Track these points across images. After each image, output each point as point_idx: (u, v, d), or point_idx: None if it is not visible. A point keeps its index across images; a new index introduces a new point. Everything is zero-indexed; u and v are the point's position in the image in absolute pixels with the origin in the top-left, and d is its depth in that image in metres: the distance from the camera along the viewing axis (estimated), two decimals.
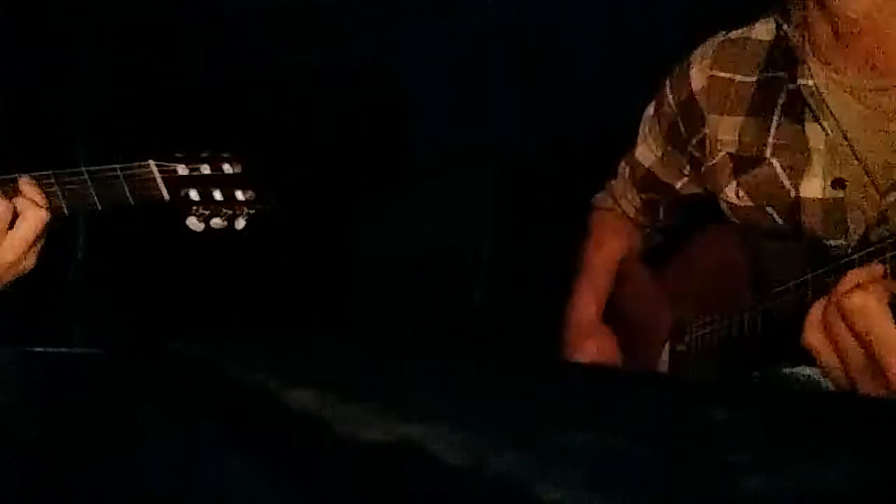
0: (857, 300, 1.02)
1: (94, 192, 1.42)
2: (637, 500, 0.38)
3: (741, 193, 1.41)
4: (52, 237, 1.36)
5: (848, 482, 0.41)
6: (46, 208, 1.32)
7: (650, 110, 1.64)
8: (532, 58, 2.71)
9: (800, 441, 0.50)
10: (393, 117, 3.10)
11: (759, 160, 1.38)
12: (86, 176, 1.42)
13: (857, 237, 1.28)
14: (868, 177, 1.27)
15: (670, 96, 1.55)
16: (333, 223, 3.00)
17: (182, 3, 2.80)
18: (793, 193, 1.34)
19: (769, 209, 1.38)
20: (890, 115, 1.26)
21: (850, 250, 1.23)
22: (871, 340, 1.01)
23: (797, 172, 1.33)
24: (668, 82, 1.56)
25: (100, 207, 1.42)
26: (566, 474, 0.41)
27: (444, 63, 2.79)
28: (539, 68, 2.70)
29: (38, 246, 1.33)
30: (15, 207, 1.30)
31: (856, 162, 1.28)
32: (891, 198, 1.25)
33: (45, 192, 1.34)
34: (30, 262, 1.32)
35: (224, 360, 0.78)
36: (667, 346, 1.56)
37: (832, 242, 1.31)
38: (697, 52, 1.52)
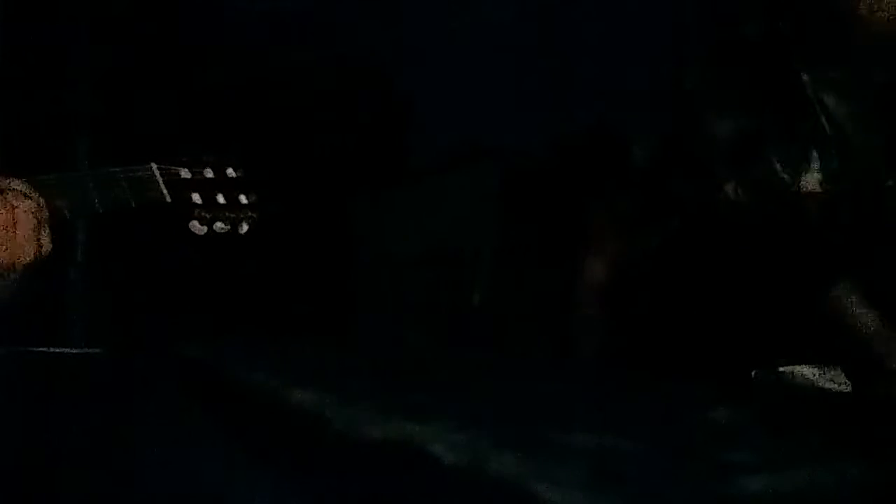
0: (832, 298, 1.05)
1: (95, 195, 1.41)
2: (637, 500, 0.38)
3: (740, 191, 1.43)
4: (53, 237, 1.35)
5: (848, 483, 0.41)
6: (33, 197, 1.31)
7: (649, 111, 1.65)
8: (532, 58, 2.71)
9: (800, 441, 0.50)
10: (393, 117, 3.09)
11: (758, 157, 1.41)
12: (87, 178, 1.41)
13: (854, 230, 1.30)
14: (864, 170, 1.30)
15: (667, 96, 1.58)
16: (333, 223, 2.99)
17: (182, 3, 2.80)
18: (792, 188, 1.37)
19: (768, 205, 1.40)
20: (884, 109, 1.29)
21: (847, 243, 1.26)
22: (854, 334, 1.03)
23: (795, 168, 1.36)
24: (664, 82, 1.59)
25: (101, 210, 1.42)
26: (566, 474, 0.41)
27: (444, 63, 2.79)
28: (539, 68, 2.70)
29: (45, 230, 1.32)
30: (13, 208, 1.30)
31: (852, 156, 1.31)
32: (886, 188, 1.28)
33: (35, 187, 1.34)
34: (46, 246, 1.32)
35: (224, 360, 0.78)
36: None
37: (830, 235, 1.33)
38: (695, 53, 1.55)
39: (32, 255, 1.29)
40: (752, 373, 1.38)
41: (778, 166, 1.38)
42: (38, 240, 1.30)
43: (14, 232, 1.29)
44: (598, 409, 0.60)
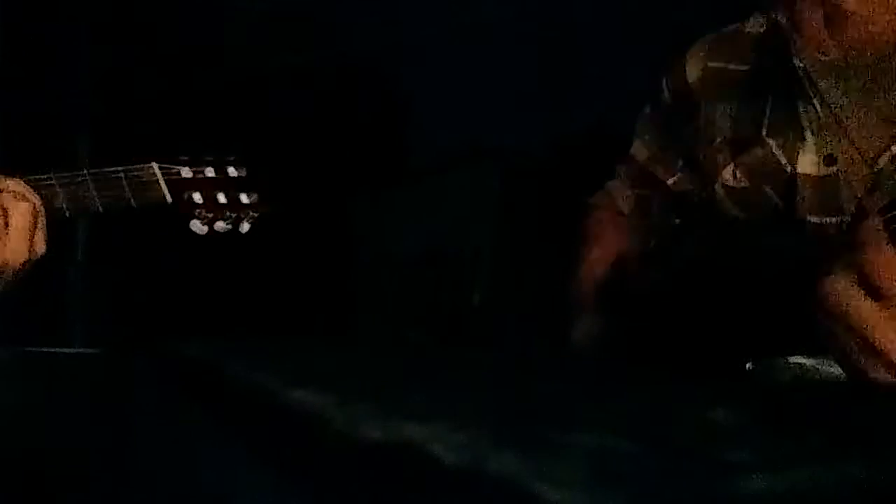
0: (825, 287, 1.06)
1: (95, 194, 1.41)
2: (637, 500, 0.38)
3: (739, 174, 1.47)
4: (53, 237, 1.35)
5: (848, 483, 0.41)
6: (29, 198, 1.32)
7: (647, 108, 1.68)
8: (533, 57, 2.71)
9: (800, 441, 0.50)
10: (393, 117, 3.10)
11: (756, 140, 1.45)
12: (87, 177, 1.41)
13: (849, 213, 1.33)
14: (857, 152, 1.34)
15: (666, 90, 1.61)
16: (333, 223, 3.00)
17: (182, 3, 2.80)
18: (789, 170, 1.40)
19: (766, 188, 1.43)
20: (875, 91, 1.34)
21: (844, 227, 1.30)
22: (849, 322, 1.04)
23: (792, 151, 1.40)
24: (664, 78, 1.62)
25: (101, 209, 1.42)
26: (566, 474, 0.41)
27: (444, 63, 2.79)
28: (540, 68, 2.71)
29: (40, 233, 1.32)
30: (6, 209, 1.29)
31: (845, 138, 1.35)
32: (878, 169, 1.32)
33: (31, 186, 1.34)
34: (40, 248, 1.32)
35: (224, 360, 0.78)
36: None
37: (826, 220, 1.36)
38: (693, 47, 1.59)
39: (25, 257, 1.29)
40: (747, 365, 1.39)
41: (774, 149, 1.42)
42: (32, 241, 1.30)
43: (6, 233, 1.29)
44: (598, 408, 0.60)
